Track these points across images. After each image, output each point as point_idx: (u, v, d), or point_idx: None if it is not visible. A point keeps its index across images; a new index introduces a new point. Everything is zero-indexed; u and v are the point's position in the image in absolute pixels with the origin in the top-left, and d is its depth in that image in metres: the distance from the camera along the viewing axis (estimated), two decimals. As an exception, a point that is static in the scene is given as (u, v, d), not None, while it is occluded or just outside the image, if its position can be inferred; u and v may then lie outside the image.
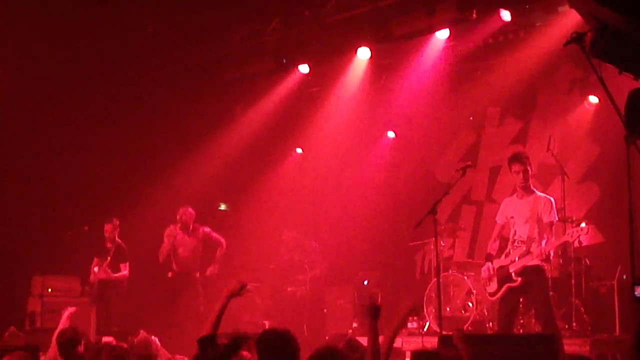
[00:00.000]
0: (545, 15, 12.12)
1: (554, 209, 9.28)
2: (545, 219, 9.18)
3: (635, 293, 5.46)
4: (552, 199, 9.39)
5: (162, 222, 13.66)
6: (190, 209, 12.90)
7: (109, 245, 12.99)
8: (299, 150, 16.15)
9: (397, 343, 11.10)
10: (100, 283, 12.80)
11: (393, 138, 15.41)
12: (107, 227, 12.98)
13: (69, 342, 7.61)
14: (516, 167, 9.30)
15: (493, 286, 9.40)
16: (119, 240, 13.04)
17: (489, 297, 9.65)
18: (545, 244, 9.10)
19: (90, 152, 14.21)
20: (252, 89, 14.82)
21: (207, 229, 13.01)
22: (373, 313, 6.04)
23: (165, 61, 14.36)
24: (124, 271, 12.97)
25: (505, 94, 13.66)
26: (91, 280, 12.92)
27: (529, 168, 9.31)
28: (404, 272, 14.45)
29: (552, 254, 9.41)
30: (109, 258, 12.84)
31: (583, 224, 9.84)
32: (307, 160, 16.00)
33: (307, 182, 15.29)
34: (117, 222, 13.05)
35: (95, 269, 12.86)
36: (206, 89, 14.80)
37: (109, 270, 12.80)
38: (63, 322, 8.81)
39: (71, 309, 9.06)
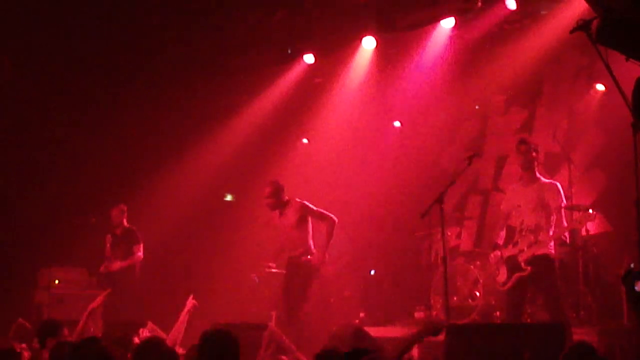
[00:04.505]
0: (550, 3, 12.11)
1: (561, 193, 9.29)
2: (553, 203, 9.17)
3: (636, 288, 5.42)
4: (558, 183, 9.40)
5: (167, 213, 13.64)
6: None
7: (117, 231, 12.77)
8: (304, 141, 16.11)
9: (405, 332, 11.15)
10: (110, 273, 12.58)
11: (399, 128, 15.36)
12: (113, 212, 12.75)
13: (48, 331, 7.55)
14: (523, 147, 9.34)
15: (503, 276, 9.39)
16: (128, 225, 12.80)
17: (500, 287, 9.64)
18: (554, 229, 9.09)
19: (96, 143, 14.21)
20: (257, 79, 14.77)
21: None
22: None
23: (170, 51, 14.33)
24: (138, 253, 12.67)
25: (511, 83, 13.61)
26: (101, 270, 12.69)
27: (536, 154, 9.34)
28: (411, 262, 14.41)
29: (563, 237, 9.45)
30: (108, 245, 12.60)
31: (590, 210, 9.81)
32: (313, 151, 15.96)
33: (312, 173, 15.22)
34: (124, 207, 12.79)
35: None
36: (211, 79, 14.76)
37: (117, 260, 12.55)
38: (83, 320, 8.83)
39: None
